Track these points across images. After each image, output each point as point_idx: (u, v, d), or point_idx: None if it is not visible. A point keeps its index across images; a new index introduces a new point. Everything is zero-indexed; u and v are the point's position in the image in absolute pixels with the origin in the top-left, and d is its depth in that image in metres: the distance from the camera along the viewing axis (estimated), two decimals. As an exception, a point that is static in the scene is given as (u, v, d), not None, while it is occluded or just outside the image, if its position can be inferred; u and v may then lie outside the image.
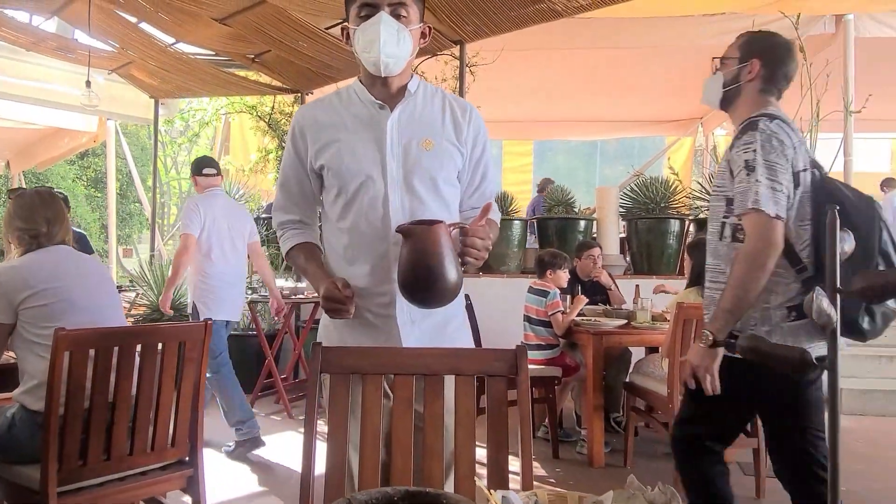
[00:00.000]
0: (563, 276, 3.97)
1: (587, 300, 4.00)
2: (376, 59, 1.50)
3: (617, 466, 3.58)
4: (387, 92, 1.58)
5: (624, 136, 10.20)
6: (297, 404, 4.74)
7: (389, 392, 1.49)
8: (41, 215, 2.30)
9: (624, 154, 12.76)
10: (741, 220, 1.83)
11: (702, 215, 5.52)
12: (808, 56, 5.02)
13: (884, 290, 0.98)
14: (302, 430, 1.45)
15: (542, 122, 9.26)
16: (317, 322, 4.48)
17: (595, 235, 5.54)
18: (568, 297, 3.93)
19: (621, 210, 5.68)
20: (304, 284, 4.84)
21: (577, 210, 5.72)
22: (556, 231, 5.52)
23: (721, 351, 1.84)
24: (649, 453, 3.79)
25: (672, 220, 5.40)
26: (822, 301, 0.95)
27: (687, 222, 5.52)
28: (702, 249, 3.35)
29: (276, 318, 4.73)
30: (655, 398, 3.32)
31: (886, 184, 8.56)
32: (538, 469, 3.55)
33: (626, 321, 3.75)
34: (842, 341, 1.78)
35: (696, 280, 3.36)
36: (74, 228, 2.98)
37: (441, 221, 1.43)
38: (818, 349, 1.84)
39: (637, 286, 4.29)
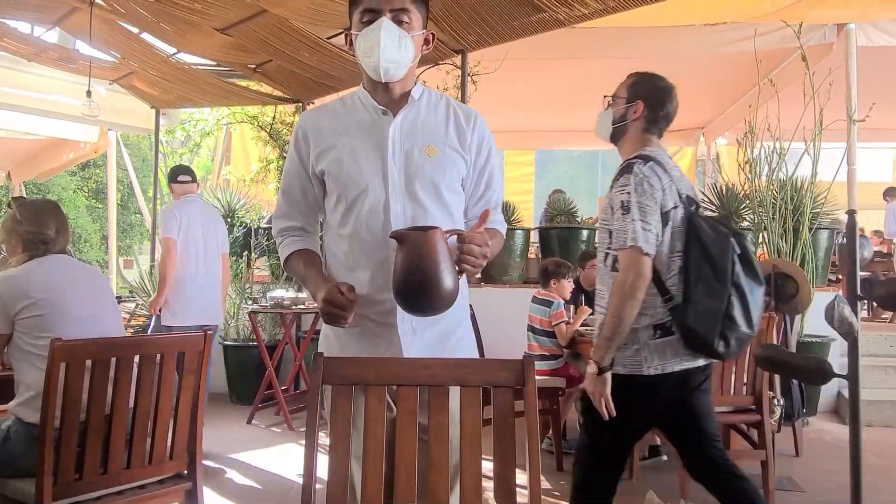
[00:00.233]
0: (567, 286, 3.93)
1: (591, 311, 3.96)
2: (376, 64, 1.49)
3: (623, 479, 3.51)
4: (389, 98, 1.56)
5: (625, 145, 10.18)
6: (297, 416, 4.69)
7: (392, 403, 1.45)
8: (51, 221, 2.29)
9: (625, 164, 12.72)
10: (618, 254, 2.04)
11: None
12: (811, 65, 5.02)
13: (905, 298, 0.94)
14: (303, 442, 1.42)
15: (543, 132, 9.25)
16: (318, 333, 4.45)
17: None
18: (572, 307, 3.89)
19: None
20: (304, 294, 4.81)
21: (579, 220, 5.70)
22: (558, 241, 5.49)
23: (609, 376, 2.01)
24: (655, 465, 3.73)
25: (675, 230, 5.35)
26: (843, 309, 0.92)
27: (690, 231, 5.48)
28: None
29: None
30: (661, 409, 3.27)
31: (889, 193, 8.54)
32: (542, 482, 3.49)
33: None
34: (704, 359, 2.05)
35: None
36: None
37: (437, 228, 1.40)
38: (684, 363, 2.04)
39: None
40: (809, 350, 4.51)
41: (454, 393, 1.40)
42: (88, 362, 1.99)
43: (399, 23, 1.49)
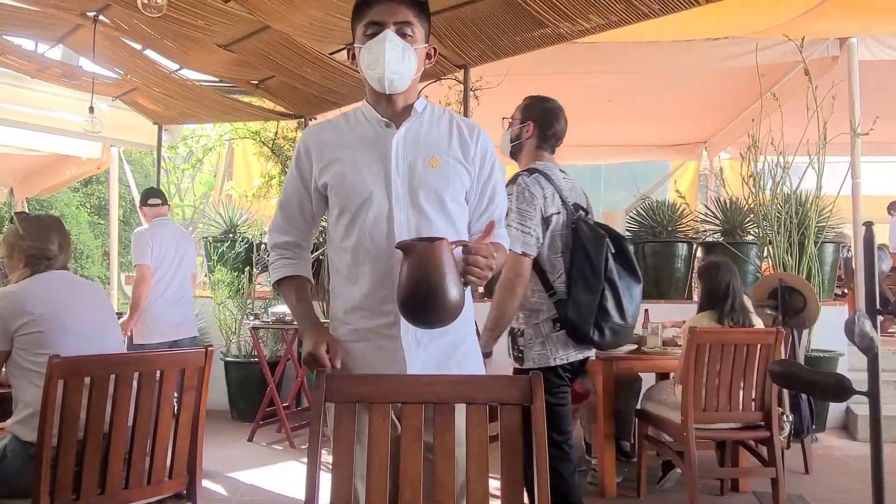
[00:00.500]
0: (571, 301, 3.89)
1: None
2: (381, 76, 1.50)
3: (629, 497, 3.47)
4: (392, 110, 1.57)
5: (627, 160, 10.19)
6: (299, 433, 4.64)
7: (396, 421, 1.42)
8: (54, 237, 2.28)
9: (628, 179, 12.75)
10: None
11: (710, 238, 5.47)
12: (813, 79, 5.02)
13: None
14: (305, 460, 1.38)
15: (545, 147, 9.24)
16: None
17: (601, 259, 5.47)
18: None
19: (628, 234, 5.62)
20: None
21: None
22: (561, 255, 5.46)
23: (490, 361, 2.26)
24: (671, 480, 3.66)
25: (680, 244, 5.34)
26: (864, 324, 0.89)
27: (695, 246, 5.45)
28: (713, 272, 3.31)
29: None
30: (669, 426, 3.22)
31: (893, 206, 8.51)
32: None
33: (636, 346, 3.66)
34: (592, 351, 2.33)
35: (709, 304, 3.29)
36: None
37: (443, 238, 1.39)
38: (583, 353, 2.37)
39: (646, 311, 4.20)
40: (817, 365, 4.46)
41: (459, 410, 1.37)
42: (87, 379, 1.96)
43: (403, 35, 1.51)
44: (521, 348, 2.38)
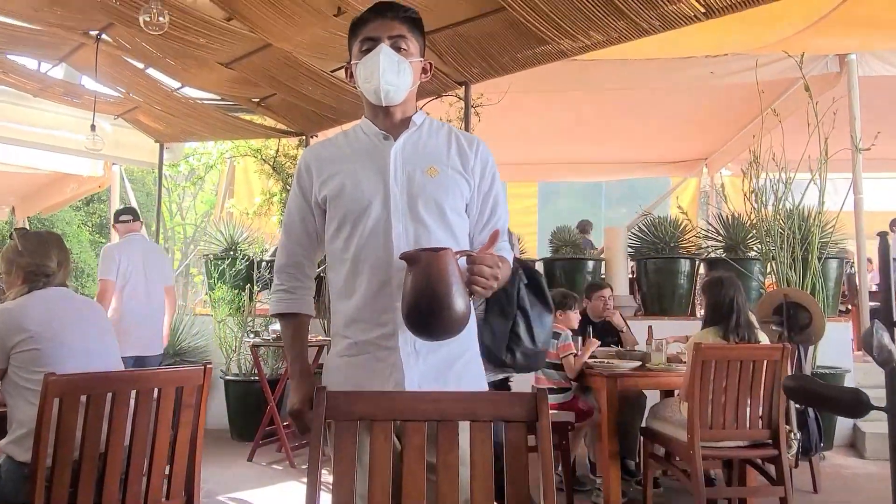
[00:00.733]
0: (574, 317, 3.86)
1: (599, 342, 3.88)
2: (377, 87, 1.52)
3: (636, 516, 3.41)
4: (390, 123, 1.59)
5: (628, 177, 10.21)
6: (299, 453, 4.58)
7: (396, 439, 1.39)
8: (53, 254, 2.26)
9: (628, 196, 12.75)
10: None
11: (713, 255, 5.45)
12: (815, 95, 5.02)
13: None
14: (305, 480, 1.35)
15: (546, 164, 9.28)
16: (320, 367, 4.37)
17: (604, 276, 5.45)
18: (580, 338, 3.81)
19: (630, 250, 5.60)
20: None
21: (584, 251, 5.65)
22: (563, 272, 5.44)
23: None
24: (671, 488, 3.61)
25: (682, 260, 5.31)
26: (882, 336, 0.86)
27: (697, 262, 5.43)
28: (717, 287, 3.28)
29: None
30: (676, 444, 3.16)
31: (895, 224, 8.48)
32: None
33: (640, 363, 3.62)
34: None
35: (713, 319, 3.26)
36: None
37: (448, 248, 1.37)
38: (502, 373, 2.50)
39: (650, 327, 4.17)
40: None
41: (463, 427, 1.33)
42: (83, 397, 1.92)
43: (398, 49, 1.54)
44: None
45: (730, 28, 4.66)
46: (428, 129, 1.61)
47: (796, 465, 3.37)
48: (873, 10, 4.52)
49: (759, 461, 3.21)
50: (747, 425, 3.03)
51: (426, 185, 1.52)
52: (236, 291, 5.54)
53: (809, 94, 4.94)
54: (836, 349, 4.74)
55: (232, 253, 5.84)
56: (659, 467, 3.52)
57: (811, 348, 4.24)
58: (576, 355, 3.64)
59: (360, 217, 1.52)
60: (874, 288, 7.55)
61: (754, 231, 5.18)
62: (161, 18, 3.34)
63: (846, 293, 6.07)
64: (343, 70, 4.53)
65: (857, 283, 5.57)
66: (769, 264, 4.97)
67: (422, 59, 1.60)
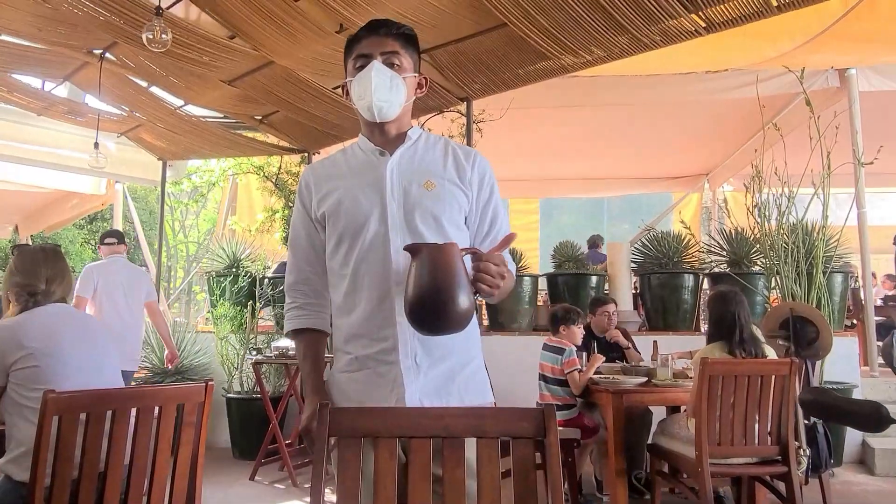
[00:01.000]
0: (578, 332, 3.83)
1: (604, 358, 3.85)
2: (370, 104, 1.53)
3: (643, 535, 3.35)
4: (385, 138, 1.60)
5: (630, 193, 10.23)
6: (302, 471, 4.53)
7: (403, 456, 1.36)
8: (42, 272, 2.23)
9: (630, 212, 12.78)
10: None
11: (717, 269, 5.42)
12: (816, 109, 5.03)
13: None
14: (308, 499, 1.32)
15: (548, 180, 9.30)
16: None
17: (607, 292, 5.42)
18: (584, 354, 3.78)
19: (633, 265, 5.58)
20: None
21: (587, 267, 5.63)
22: (566, 287, 5.41)
23: None
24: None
25: (686, 275, 5.29)
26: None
27: (701, 277, 5.40)
28: (718, 302, 3.25)
29: (168, 366, 5.08)
30: (683, 461, 3.12)
31: (899, 238, 8.45)
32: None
33: (646, 378, 3.58)
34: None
35: (717, 334, 3.23)
36: None
37: (453, 242, 1.36)
38: None
39: (655, 342, 4.14)
40: (831, 397, 4.35)
41: (469, 443, 1.31)
42: (83, 415, 1.90)
43: (390, 65, 1.55)
44: None
45: (730, 44, 4.69)
46: (424, 143, 1.62)
47: (806, 482, 3.31)
48: (872, 24, 4.54)
49: (769, 478, 3.16)
50: (756, 441, 2.99)
51: (423, 199, 1.52)
52: (238, 308, 5.52)
53: (811, 108, 4.94)
54: (843, 364, 4.69)
55: (234, 270, 5.83)
56: (666, 485, 3.46)
57: (818, 363, 4.20)
58: (580, 371, 3.60)
59: (359, 233, 1.52)
60: (879, 302, 7.53)
61: (758, 245, 5.16)
62: (164, 36, 3.35)
63: (851, 308, 6.02)
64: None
65: (863, 298, 5.53)
66: (773, 279, 4.94)
67: (416, 75, 1.60)
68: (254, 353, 5.07)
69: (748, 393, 2.96)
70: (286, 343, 4.75)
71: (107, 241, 4.79)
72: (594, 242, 7.74)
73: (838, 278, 5.03)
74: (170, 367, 5.08)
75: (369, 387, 1.49)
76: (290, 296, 1.65)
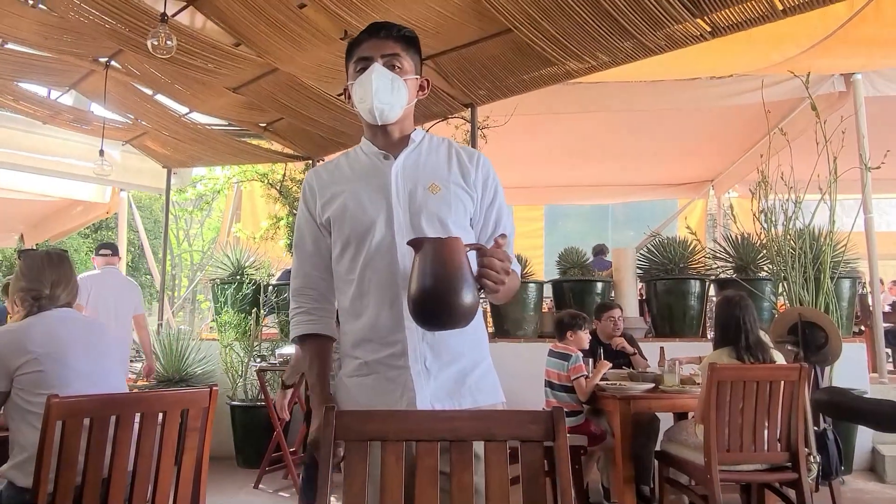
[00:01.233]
0: (584, 338, 3.80)
1: (611, 365, 3.82)
2: (370, 107, 1.53)
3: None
4: (389, 141, 1.59)
5: (635, 199, 10.20)
6: (306, 480, 4.49)
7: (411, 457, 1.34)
8: (46, 277, 2.22)
9: (635, 218, 12.73)
10: None
11: (723, 275, 5.39)
12: (821, 114, 5.01)
13: None
14: (313, 505, 1.29)
15: (552, 187, 9.28)
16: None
17: (612, 297, 5.39)
18: (591, 360, 3.75)
19: (639, 271, 5.55)
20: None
21: (592, 274, 5.60)
22: (572, 294, 5.38)
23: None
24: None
25: (692, 281, 5.25)
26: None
27: (708, 282, 5.37)
28: (724, 307, 3.22)
29: (146, 380, 5.11)
30: (692, 468, 3.08)
31: (906, 243, 8.40)
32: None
33: (653, 385, 3.55)
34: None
35: (723, 340, 3.19)
36: None
37: (457, 237, 1.34)
38: None
39: (662, 348, 4.11)
40: (840, 404, 4.30)
41: (478, 447, 1.28)
42: (86, 420, 1.88)
43: (391, 67, 1.55)
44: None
45: (735, 49, 4.68)
46: (427, 145, 1.61)
47: (817, 490, 3.27)
48: (878, 29, 4.53)
49: (779, 485, 3.12)
50: (765, 448, 2.95)
51: (428, 202, 1.51)
52: (242, 316, 5.51)
53: (816, 113, 4.92)
54: (851, 370, 4.65)
55: (238, 277, 5.82)
56: (675, 492, 3.42)
57: (827, 369, 4.15)
58: (587, 377, 3.57)
59: (365, 237, 1.50)
60: (887, 309, 7.48)
61: (765, 251, 5.12)
62: (169, 42, 3.36)
63: (859, 314, 5.98)
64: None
65: (871, 304, 5.48)
66: (781, 284, 4.90)
67: (417, 77, 1.60)
68: (258, 360, 5.05)
69: (757, 399, 2.92)
70: (290, 350, 4.73)
71: (102, 252, 4.94)
72: (600, 250, 7.72)
73: (846, 284, 4.99)
74: (147, 380, 5.10)
75: (379, 392, 1.48)
76: (296, 300, 1.63)
